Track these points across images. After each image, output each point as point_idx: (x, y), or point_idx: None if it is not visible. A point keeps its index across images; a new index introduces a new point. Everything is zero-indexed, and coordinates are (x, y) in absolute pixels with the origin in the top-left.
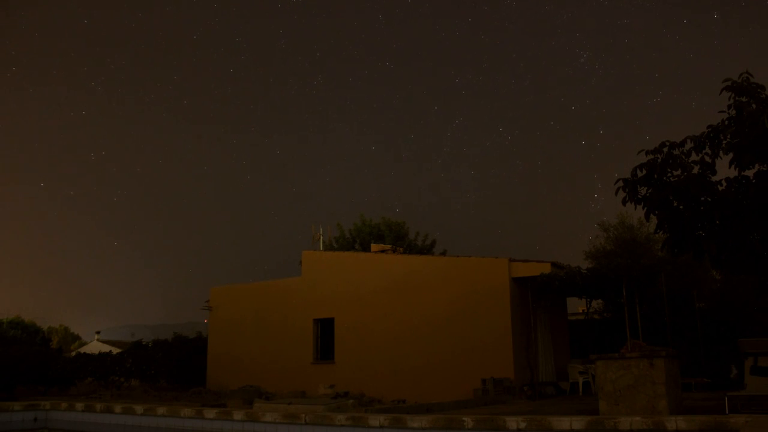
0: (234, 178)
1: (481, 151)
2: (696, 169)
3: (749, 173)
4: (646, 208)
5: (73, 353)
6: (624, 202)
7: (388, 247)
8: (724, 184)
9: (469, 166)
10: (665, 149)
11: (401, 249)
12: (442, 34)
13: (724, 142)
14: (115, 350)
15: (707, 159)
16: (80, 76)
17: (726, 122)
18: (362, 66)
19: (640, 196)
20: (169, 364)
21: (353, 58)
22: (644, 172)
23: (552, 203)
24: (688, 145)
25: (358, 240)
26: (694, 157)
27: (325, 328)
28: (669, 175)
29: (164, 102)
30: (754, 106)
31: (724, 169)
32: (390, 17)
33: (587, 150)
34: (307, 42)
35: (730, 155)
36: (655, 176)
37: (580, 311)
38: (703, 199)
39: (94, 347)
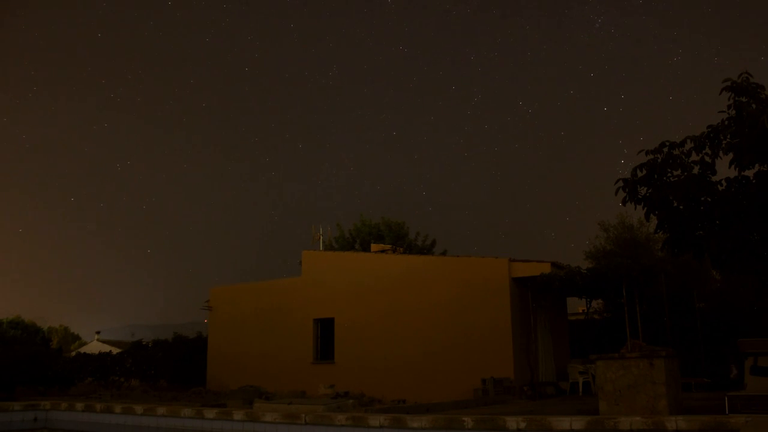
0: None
1: (503, 126)
2: (696, 169)
3: (749, 173)
4: (646, 208)
5: (73, 353)
6: (624, 202)
7: (388, 247)
8: (724, 184)
9: (492, 143)
10: (665, 149)
11: (401, 249)
12: (453, 12)
13: (724, 142)
14: (115, 350)
15: (707, 159)
16: (99, 90)
17: (726, 122)
18: (376, 52)
19: (640, 196)
20: (169, 364)
21: (366, 45)
22: (644, 172)
23: (577, 175)
24: (688, 145)
25: (358, 240)
26: (694, 157)
27: (325, 328)
28: (669, 175)
29: (183, 107)
30: (754, 106)
31: (724, 169)
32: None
33: (610, 116)
34: (319, 34)
35: (730, 155)
36: (655, 176)
37: (580, 311)
38: (703, 199)
39: (94, 347)
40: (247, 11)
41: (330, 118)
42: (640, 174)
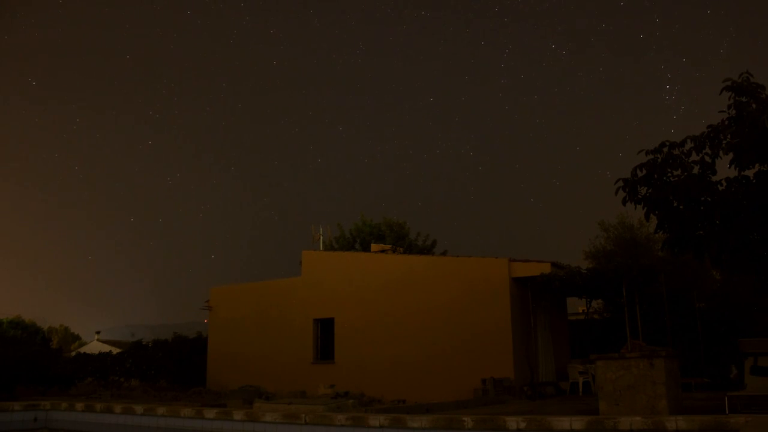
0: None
1: (539, 72)
2: (696, 169)
3: (749, 173)
4: (646, 208)
5: (73, 353)
6: (624, 202)
7: (388, 247)
8: (724, 184)
9: (531, 92)
10: (665, 149)
11: (401, 249)
12: None
13: (724, 142)
14: (115, 350)
15: (707, 159)
16: (138, 109)
17: (726, 122)
18: (399, 21)
19: (640, 196)
20: (169, 364)
21: (388, 16)
22: (644, 172)
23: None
24: (688, 145)
25: (359, 240)
26: (694, 157)
27: (325, 328)
28: (669, 175)
29: (221, 111)
30: (754, 106)
31: (724, 169)
32: None
33: (648, 43)
34: (339, 15)
35: (730, 155)
36: (655, 176)
37: (580, 311)
38: (703, 199)
39: (94, 347)
40: (265, 5)
41: (364, 96)
42: (640, 174)
